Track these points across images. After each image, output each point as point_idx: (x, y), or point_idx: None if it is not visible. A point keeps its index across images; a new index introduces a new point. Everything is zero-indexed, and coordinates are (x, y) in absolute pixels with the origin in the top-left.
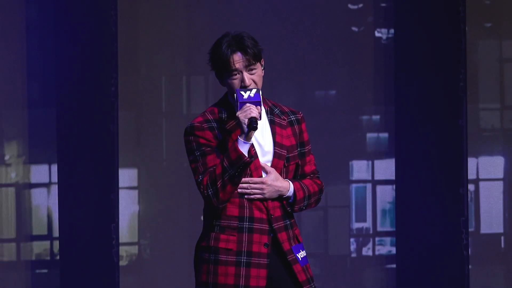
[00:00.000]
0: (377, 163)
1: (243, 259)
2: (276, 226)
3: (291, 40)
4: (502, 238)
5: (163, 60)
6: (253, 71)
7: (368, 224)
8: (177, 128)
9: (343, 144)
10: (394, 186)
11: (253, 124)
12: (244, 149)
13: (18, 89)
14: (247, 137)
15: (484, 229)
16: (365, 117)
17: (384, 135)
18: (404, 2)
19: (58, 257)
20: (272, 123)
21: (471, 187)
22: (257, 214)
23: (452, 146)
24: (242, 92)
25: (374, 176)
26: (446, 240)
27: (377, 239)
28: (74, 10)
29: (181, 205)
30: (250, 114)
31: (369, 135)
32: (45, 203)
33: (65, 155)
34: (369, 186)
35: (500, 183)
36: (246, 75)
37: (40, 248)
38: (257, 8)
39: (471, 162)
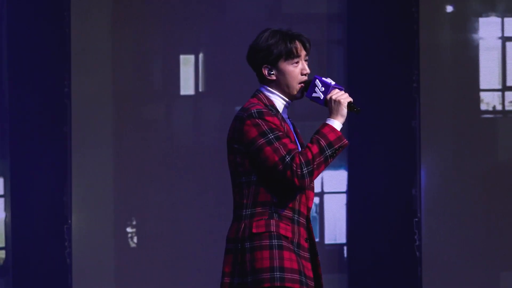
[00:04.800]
0: (325, 174)
1: (295, 249)
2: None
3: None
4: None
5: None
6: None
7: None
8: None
9: None
10: (343, 195)
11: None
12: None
13: None
14: (344, 120)
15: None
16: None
17: None
18: (358, 3)
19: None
20: None
21: None
22: (303, 209)
23: (405, 147)
24: (325, 78)
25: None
26: (399, 241)
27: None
28: (27, 11)
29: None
30: (347, 98)
31: None
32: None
33: (16, 157)
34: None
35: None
36: (305, 64)
37: None
38: (240, 15)
39: None
